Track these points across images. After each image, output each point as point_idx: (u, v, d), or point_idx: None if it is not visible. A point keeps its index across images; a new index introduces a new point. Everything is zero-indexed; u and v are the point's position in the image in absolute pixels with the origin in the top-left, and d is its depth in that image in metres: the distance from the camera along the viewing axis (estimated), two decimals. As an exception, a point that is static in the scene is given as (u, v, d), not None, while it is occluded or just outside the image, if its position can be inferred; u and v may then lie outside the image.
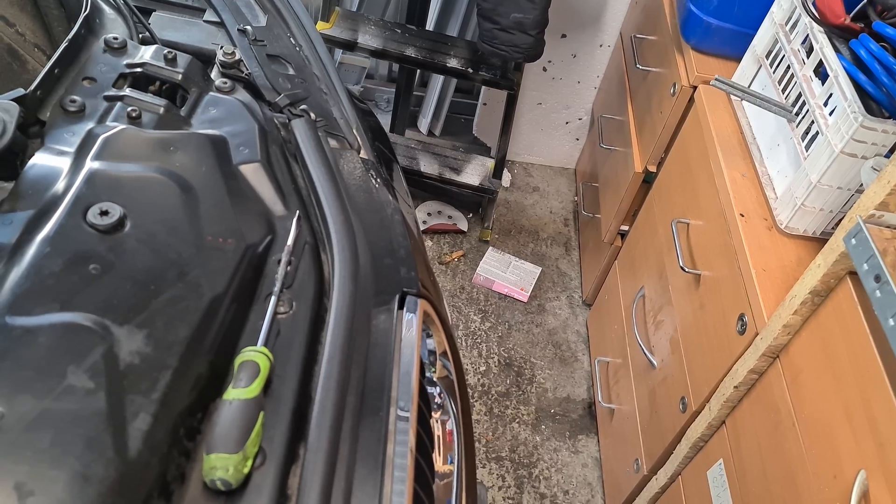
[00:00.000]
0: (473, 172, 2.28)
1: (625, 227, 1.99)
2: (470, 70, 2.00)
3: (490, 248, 2.34)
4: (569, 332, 2.16)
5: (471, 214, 2.42)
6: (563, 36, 2.31)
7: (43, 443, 0.57)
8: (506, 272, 2.27)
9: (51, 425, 0.58)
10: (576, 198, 2.57)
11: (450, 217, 2.38)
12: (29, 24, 1.14)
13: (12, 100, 0.78)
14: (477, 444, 1.85)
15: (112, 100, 0.86)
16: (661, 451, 1.50)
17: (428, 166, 2.26)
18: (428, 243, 2.31)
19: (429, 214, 2.36)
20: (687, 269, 1.44)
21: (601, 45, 2.33)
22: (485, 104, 2.53)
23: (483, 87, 2.51)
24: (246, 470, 0.64)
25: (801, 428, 1.06)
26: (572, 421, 1.95)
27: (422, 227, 2.32)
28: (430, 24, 2.34)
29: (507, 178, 2.59)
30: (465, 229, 2.37)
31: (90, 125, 0.82)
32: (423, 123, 2.62)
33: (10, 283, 0.64)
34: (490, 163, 2.31)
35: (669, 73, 1.73)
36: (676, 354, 1.48)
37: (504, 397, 1.97)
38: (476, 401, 1.94)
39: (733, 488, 1.22)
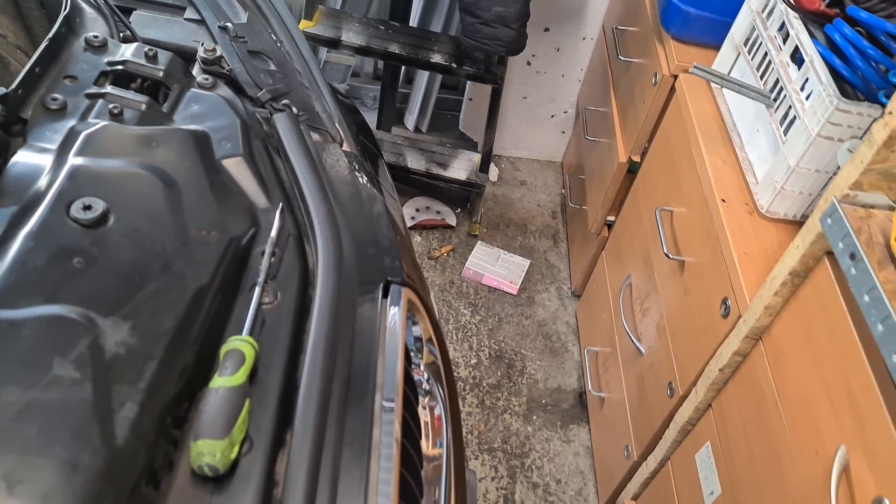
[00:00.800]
0: (460, 167, 2.29)
1: (611, 218, 2.00)
2: (454, 65, 2.01)
3: (479, 242, 2.35)
4: (558, 324, 2.18)
5: (459, 209, 2.43)
6: (546, 30, 2.33)
7: (30, 432, 0.58)
8: (495, 265, 2.28)
9: (38, 415, 0.59)
10: (563, 190, 2.59)
11: (438, 212, 2.39)
12: (10, 25, 1.15)
13: (-6, 98, 0.78)
14: (469, 436, 1.86)
15: (94, 97, 0.87)
16: (651, 437, 1.51)
17: (415, 162, 2.27)
18: (417, 239, 2.32)
19: (417, 210, 2.37)
20: (671, 256, 1.45)
21: (584, 38, 2.35)
22: (470, 99, 2.54)
23: (468, 83, 2.52)
24: (233, 456, 0.65)
25: (783, 407, 1.07)
26: (563, 411, 1.97)
27: (410, 223, 2.33)
28: (413, 21, 2.34)
29: (494, 172, 2.61)
30: (454, 224, 2.38)
31: (72, 122, 0.83)
32: (410, 120, 2.63)
33: (-4, 278, 0.65)
34: (477, 157, 2.32)
35: (651, 63, 1.75)
36: (663, 340, 1.50)
37: (495, 389, 1.98)
38: (467, 393, 1.95)
39: (720, 469, 1.24)
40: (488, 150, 2.25)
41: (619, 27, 2.04)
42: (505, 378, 2.02)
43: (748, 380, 1.19)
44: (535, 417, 1.94)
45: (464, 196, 2.42)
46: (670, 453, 1.45)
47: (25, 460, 0.56)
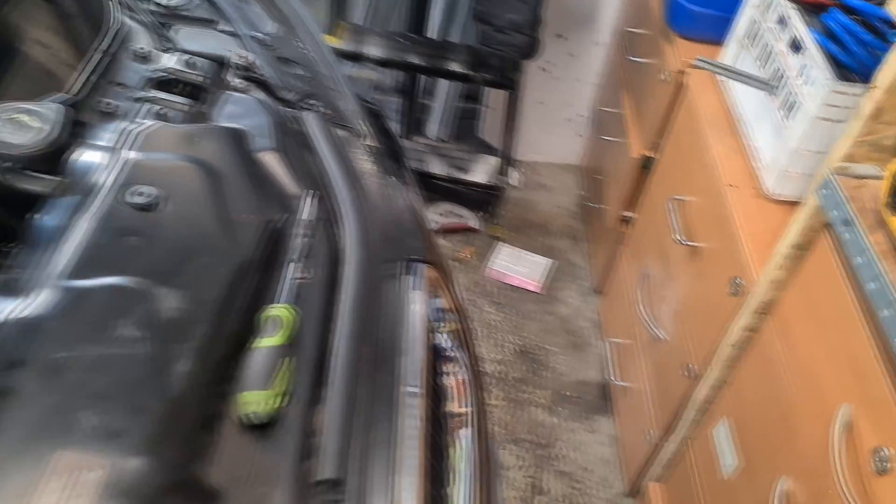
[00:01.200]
0: (481, 171, 2.37)
1: (628, 214, 2.06)
2: (471, 72, 2.09)
3: (501, 243, 2.42)
4: (581, 319, 2.24)
5: (481, 213, 2.51)
6: (560, 36, 2.41)
7: (102, 382, 0.66)
8: (517, 265, 2.35)
9: (107, 367, 0.67)
10: (581, 191, 2.65)
11: (460, 216, 2.47)
12: (62, 45, 1.26)
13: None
14: (496, 428, 1.92)
15: (141, 101, 0.96)
16: (670, 420, 1.56)
17: (437, 167, 2.36)
18: (440, 242, 2.40)
19: (440, 215, 2.45)
20: (684, 243, 1.51)
21: (596, 43, 2.42)
22: (488, 107, 2.63)
23: (486, 91, 2.60)
24: (275, 406, 0.73)
25: (791, 375, 1.13)
26: (587, 402, 2.02)
27: (433, 227, 2.41)
28: (433, 33, 2.44)
29: (515, 176, 2.67)
30: (477, 227, 2.46)
31: (124, 123, 0.92)
32: (431, 129, 2.71)
33: (66, 254, 0.74)
34: (497, 161, 2.40)
35: (659, 62, 1.82)
36: (679, 325, 1.55)
37: (521, 383, 2.05)
38: (493, 387, 2.02)
39: (736, 442, 1.29)
40: (508, 154, 2.33)
41: (630, 30, 2.12)
42: (530, 372, 2.08)
43: (758, 353, 1.24)
44: (560, 409, 2.00)
45: (485, 200, 2.50)
46: (689, 433, 1.50)
47: (98, 404, 0.64)
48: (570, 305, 2.28)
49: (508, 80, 2.11)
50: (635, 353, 1.83)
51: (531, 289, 2.30)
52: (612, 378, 1.94)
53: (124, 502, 0.61)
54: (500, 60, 2.02)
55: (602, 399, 2.04)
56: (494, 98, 2.59)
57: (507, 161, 2.35)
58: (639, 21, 2.06)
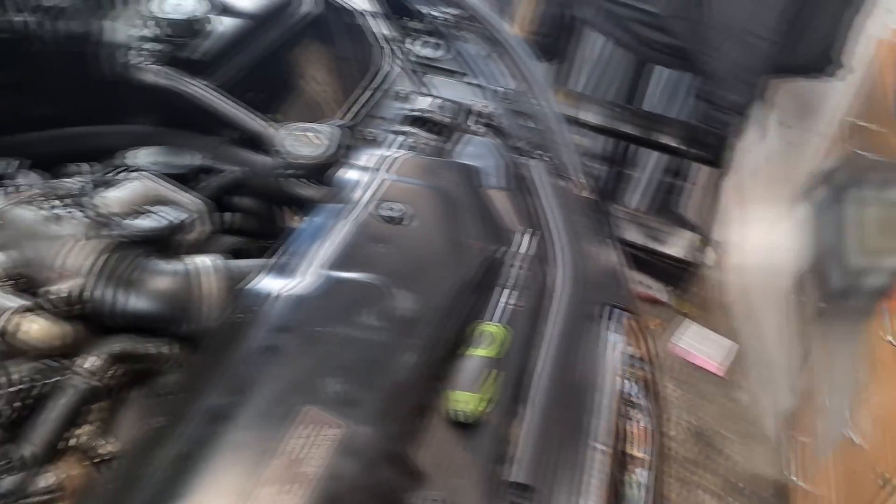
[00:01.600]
0: (677, 245, 2.37)
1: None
2: (683, 147, 2.13)
3: (688, 320, 2.38)
4: (764, 411, 2.13)
5: (670, 287, 2.49)
6: (782, 123, 2.37)
7: (346, 356, 0.78)
8: (702, 345, 2.30)
9: (351, 345, 0.79)
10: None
11: (649, 287, 2.47)
12: (332, 83, 1.48)
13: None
14: (659, 504, 1.88)
15: (398, 133, 1.12)
16: (857, 531, 1.46)
17: (632, 235, 2.39)
18: (626, 309, 2.41)
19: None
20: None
21: (819, 133, 2.35)
22: (693, 184, 2.62)
23: (692, 167, 2.60)
24: (481, 409, 0.81)
25: None
26: (761, 498, 1.92)
27: (621, 293, 2.42)
28: (649, 105, 2.49)
29: (711, 256, 2.63)
30: (665, 300, 2.44)
31: (382, 150, 1.08)
32: (632, 199, 2.75)
33: (327, 249, 0.89)
34: (694, 238, 2.39)
35: (890, 156, 1.75)
36: (879, 431, 1.46)
37: (691, 464, 1.99)
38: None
39: (933, 565, 1.19)
40: (707, 233, 2.31)
41: (859, 123, 2.05)
42: (702, 455, 2.01)
43: (972, 472, 1.15)
44: (729, 499, 1.91)
45: (677, 274, 2.48)
46: (877, 548, 1.39)
47: (342, 375, 0.76)
48: (754, 395, 2.18)
49: (720, 160, 2.11)
50: (823, 455, 1.72)
51: (713, 370, 2.24)
52: (793, 477, 1.84)
53: (351, 460, 0.71)
54: (716, 139, 2.04)
55: (777, 498, 1.92)
56: (700, 174, 2.58)
57: (706, 239, 2.33)
58: (871, 115, 1.99)
